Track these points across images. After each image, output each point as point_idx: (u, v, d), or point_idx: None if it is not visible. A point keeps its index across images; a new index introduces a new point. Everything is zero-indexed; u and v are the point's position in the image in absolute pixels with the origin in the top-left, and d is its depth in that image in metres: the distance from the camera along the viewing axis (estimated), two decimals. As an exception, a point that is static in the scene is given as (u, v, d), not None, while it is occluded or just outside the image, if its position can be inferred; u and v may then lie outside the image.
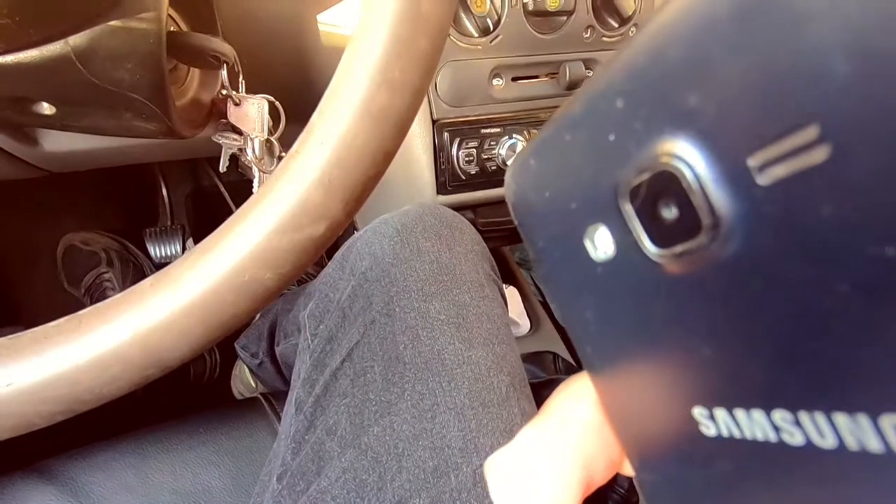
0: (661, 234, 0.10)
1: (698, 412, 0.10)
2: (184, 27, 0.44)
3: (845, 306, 0.08)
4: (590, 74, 0.62)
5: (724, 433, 0.10)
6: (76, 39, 0.31)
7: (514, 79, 0.61)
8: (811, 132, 0.07)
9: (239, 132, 0.46)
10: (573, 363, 0.86)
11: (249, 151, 0.45)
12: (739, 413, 0.10)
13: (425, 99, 0.56)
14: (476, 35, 0.58)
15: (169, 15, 0.35)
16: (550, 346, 0.90)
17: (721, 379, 0.10)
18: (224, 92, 0.45)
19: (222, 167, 0.50)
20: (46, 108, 0.36)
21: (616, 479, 0.72)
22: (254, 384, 0.85)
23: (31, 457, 0.49)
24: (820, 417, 0.08)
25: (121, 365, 0.21)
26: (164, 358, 0.22)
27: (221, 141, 0.48)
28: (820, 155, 0.07)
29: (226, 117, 0.46)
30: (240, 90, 0.45)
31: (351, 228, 0.81)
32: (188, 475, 0.50)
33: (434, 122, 0.59)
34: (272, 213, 0.22)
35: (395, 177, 0.61)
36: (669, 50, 0.09)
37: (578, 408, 0.13)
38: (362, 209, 0.24)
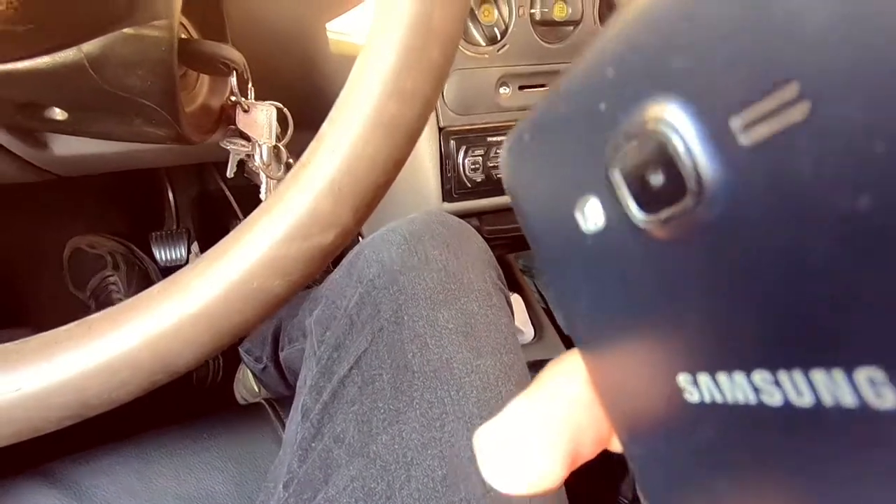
0: (649, 201, 0.10)
1: (683, 378, 0.10)
2: (194, 34, 0.44)
3: (826, 262, 0.08)
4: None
5: (707, 399, 0.10)
6: (89, 46, 0.31)
7: (521, 87, 0.62)
8: (791, 90, 0.07)
9: (247, 138, 0.47)
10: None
11: (257, 157, 0.45)
12: (721, 377, 0.10)
13: (432, 107, 0.56)
14: (483, 44, 0.59)
15: (180, 22, 0.35)
16: (554, 354, 0.90)
17: (704, 343, 0.10)
18: (233, 98, 0.45)
19: (230, 173, 0.50)
20: (58, 114, 0.36)
21: (620, 490, 0.72)
22: (257, 388, 0.84)
23: (36, 460, 0.49)
24: (798, 375, 0.08)
25: (130, 370, 0.21)
26: (172, 363, 0.22)
27: (230, 147, 0.48)
28: (800, 112, 0.07)
29: (234, 123, 0.46)
30: (249, 97, 0.45)
31: (356, 235, 0.81)
32: (192, 480, 0.50)
33: (441, 129, 0.59)
34: (282, 221, 0.22)
35: (400, 184, 0.61)
36: (655, 14, 0.09)
37: (569, 383, 0.13)
38: (368, 216, 0.24)
